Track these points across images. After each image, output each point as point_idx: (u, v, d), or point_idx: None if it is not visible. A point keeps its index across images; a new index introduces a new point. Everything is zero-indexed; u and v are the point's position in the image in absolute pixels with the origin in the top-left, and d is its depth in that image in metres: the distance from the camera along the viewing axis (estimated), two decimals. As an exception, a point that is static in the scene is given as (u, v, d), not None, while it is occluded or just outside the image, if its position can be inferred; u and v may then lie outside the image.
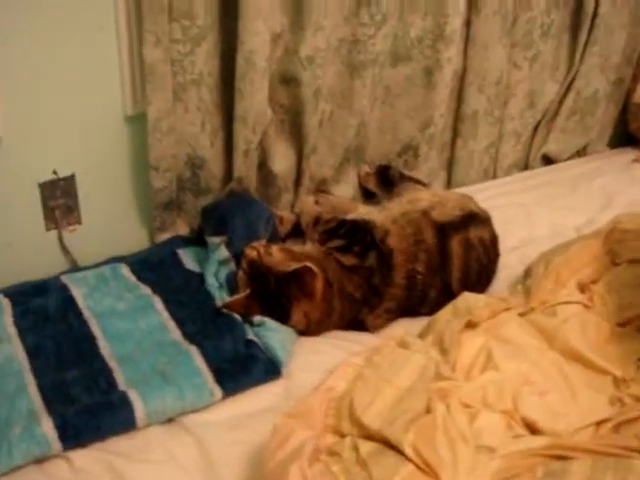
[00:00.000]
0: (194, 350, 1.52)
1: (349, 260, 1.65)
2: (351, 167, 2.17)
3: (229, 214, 1.79)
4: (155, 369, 1.49)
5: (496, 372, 1.41)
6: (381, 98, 2.14)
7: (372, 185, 2.19)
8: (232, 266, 1.75)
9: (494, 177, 2.51)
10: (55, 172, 1.78)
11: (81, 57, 1.69)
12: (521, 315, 1.64)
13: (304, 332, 1.65)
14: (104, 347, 1.56)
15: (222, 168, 1.92)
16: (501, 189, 2.39)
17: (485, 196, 2.26)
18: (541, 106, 2.45)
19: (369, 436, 1.20)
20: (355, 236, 1.69)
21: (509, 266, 1.93)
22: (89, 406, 1.38)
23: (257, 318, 1.62)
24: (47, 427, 1.31)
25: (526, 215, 2.22)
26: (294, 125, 1.96)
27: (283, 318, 1.62)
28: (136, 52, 1.71)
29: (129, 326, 1.62)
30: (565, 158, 2.63)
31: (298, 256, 1.63)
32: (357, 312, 1.66)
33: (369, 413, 1.22)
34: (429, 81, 2.13)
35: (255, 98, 1.78)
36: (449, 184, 2.43)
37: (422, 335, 1.55)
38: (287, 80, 1.87)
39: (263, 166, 1.96)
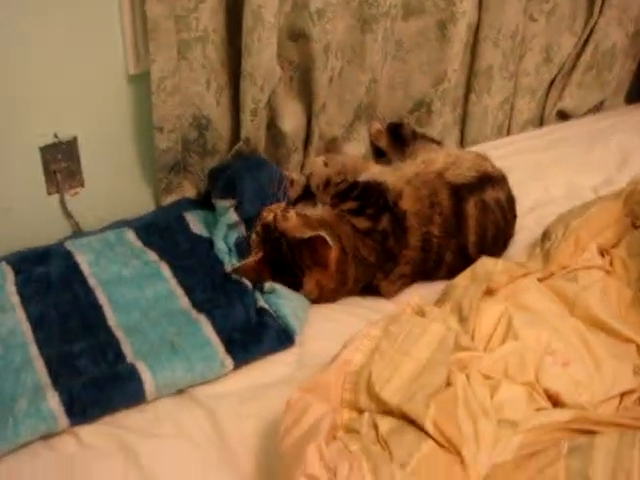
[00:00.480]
0: (203, 319, 1.47)
1: (362, 223, 1.60)
2: (362, 125, 2.10)
3: (238, 176, 1.73)
4: (164, 340, 1.45)
5: (516, 341, 1.36)
6: (392, 53, 2.06)
7: (384, 143, 2.12)
8: (242, 230, 1.70)
9: (509, 133, 2.43)
10: (56, 135, 1.71)
11: (80, 14, 1.61)
12: (540, 280, 1.59)
13: (317, 300, 1.60)
14: (111, 317, 1.52)
15: (229, 128, 1.85)
16: (515, 147, 2.32)
17: (499, 154, 2.18)
18: (557, 60, 2.36)
19: (388, 412, 1.16)
20: (368, 198, 1.63)
21: (526, 228, 1.87)
22: (96, 379, 1.34)
23: (268, 285, 1.58)
24: (53, 402, 1.27)
25: (542, 174, 2.15)
26: (303, 82, 1.88)
27: (295, 286, 1.57)
28: (138, 8, 1.63)
29: (136, 294, 1.58)
30: (581, 114, 2.55)
31: (314, 223, 1.57)
32: (372, 277, 1.60)
33: (388, 388, 1.18)
34: (443, 35, 2.04)
35: (263, 55, 1.70)
36: (462, 141, 2.35)
37: (440, 302, 1.50)
38: (296, 36, 1.79)
39: (272, 126, 1.89)
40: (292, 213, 1.60)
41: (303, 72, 1.86)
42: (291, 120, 1.91)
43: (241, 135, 1.81)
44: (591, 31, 2.33)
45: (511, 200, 1.78)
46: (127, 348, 1.44)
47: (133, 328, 1.49)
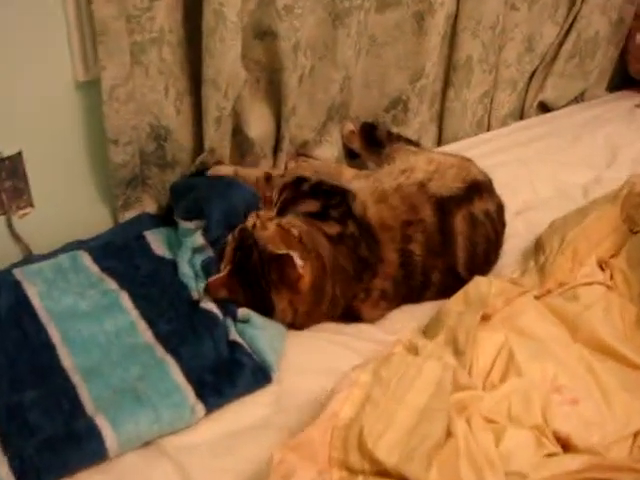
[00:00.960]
0: (170, 359, 1.32)
1: (331, 228, 1.46)
2: (334, 126, 1.95)
3: (205, 198, 1.57)
4: (126, 385, 1.29)
5: (520, 378, 1.23)
6: (366, 48, 1.91)
7: (357, 145, 1.97)
8: (209, 252, 1.54)
9: (488, 129, 2.31)
10: (-3, 151, 1.53)
11: (21, 14, 1.42)
12: (537, 298, 1.47)
13: (293, 324, 1.46)
14: (65, 358, 1.35)
15: (191, 138, 1.68)
16: (498, 143, 2.21)
17: (481, 152, 2.08)
18: (539, 50, 2.25)
19: (384, 473, 1.03)
20: (329, 198, 1.50)
21: (515, 234, 1.74)
22: (51, 439, 1.17)
23: (242, 312, 1.42)
24: (2, 470, 1.11)
25: (528, 173, 2.04)
26: (271, 84, 1.72)
27: (265, 303, 1.42)
28: (85, 7, 1.45)
29: (94, 330, 1.41)
30: (562, 105, 2.45)
31: (292, 240, 1.41)
32: (351, 295, 1.46)
33: (382, 445, 1.04)
34: (420, 27, 1.90)
35: (226, 57, 1.53)
36: (440, 138, 2.23)
37: (431, 331, 1.36)
38: (262, 34, 1.62)
39: (237, 132, 1.73)
40: (272, 223, 1.45)
41: (270, 73, 1.70)
42: (259, 125, 1.76)
43: (205, 145, 1.65)
44: (574, 19, 2.22)
45: (500, 209, 1.64)
46: (85, 396, 1.27)
47: (91, 371, 1.33)
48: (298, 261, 1.36)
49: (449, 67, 2.10)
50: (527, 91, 2.35)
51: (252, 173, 1.71)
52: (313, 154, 1.94)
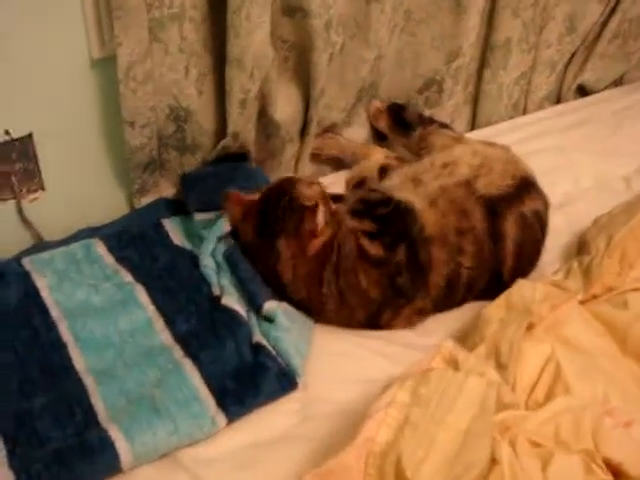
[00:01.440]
0: (189, 365, 1.23)
1: (375, 249, 1.34)
2: (363, 108, 1.84)
3: (223, 187, 1.46)
4: (142, 390, 1.21)
5: (568, 397, 1.13)
6: (401, 25, 1.78)
7: (383, 125, 1.85)
8: (230, 242, 1.44)
9: (524, 112, 2.18)
10: (7, 132, 1.43)
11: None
12: (581, 303, 1.36)
13: (291, 287, 1.36)
14: (78, 359, 1.27)
15: (213, 121, 1.57)
16: (534, 128, 2.07)
17: (517, 138, 1.97)
18: (582, 30, 2.10)
19: (424, 505, 0.93)
20: (390, 224, 1.37)
21: (556, 230, 1.60)
22: (61, 451, 1.09)
23: (268, 306, 1.33)
24: (8, 487, 1.03)
25: (567, 162, 1.92)
26: (300, 64, 1.60)
27: (270, 255, 1.34)
28: (100, -20, 1.34)
29: (108, 328, 1.32)
30: (601, 88, 2.30)
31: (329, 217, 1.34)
32: (374, 312, 1.36)
33: (423, 474, 0.95)
34: (458, 4, 1.77)
35: (253, 36, 1.42)
36: (474, 122, 2.10)
37: (470, 340, 1.26)
38: (292, 10, 1.50)
39: (262, 115, 1.62)
40: (318, 187, 1.37)
41: (300, 52, 1.58)
42: (286, 107, 1.64)
43: (228, 129, 1.54)
44: (619, -1, 2.07)
45: (546, 207, 1.53)
46: (98, 403, 1.19)
47: (105, 373, 1.24)
48: (321, 218, 1.29)
49: (486, 47, 1.96)
50: (565, 73, 2.21)
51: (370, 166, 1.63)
52: (342, 135, 1.82)
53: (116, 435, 1.10)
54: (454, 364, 1.14)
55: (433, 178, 1.44)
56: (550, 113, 2.18)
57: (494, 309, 1.29)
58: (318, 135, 1.79)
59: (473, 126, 2.10)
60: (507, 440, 1.06)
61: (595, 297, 1.38)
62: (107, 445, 1.09)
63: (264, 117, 1.62)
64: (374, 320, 1.35)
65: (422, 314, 1.37)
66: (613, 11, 2.10)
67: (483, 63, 1.99)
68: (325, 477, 0.97)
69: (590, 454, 1.07)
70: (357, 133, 1.85)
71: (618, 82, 2.36)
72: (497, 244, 1.38)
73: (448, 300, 1.38)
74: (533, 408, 1.15)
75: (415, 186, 1.43)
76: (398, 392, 1.04)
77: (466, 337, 1.28)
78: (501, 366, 1.17)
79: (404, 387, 1.05)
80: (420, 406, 1.03)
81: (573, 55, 2.17)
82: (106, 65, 1.44)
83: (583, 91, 2.28)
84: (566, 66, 2.19)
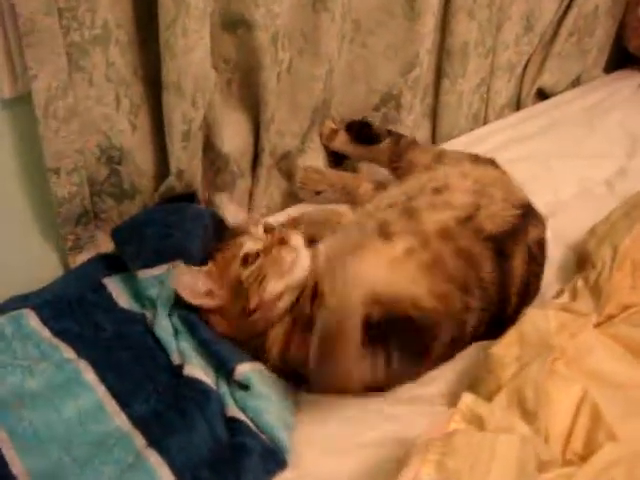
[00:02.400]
0: (154, 457, 1.00)
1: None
2: (317, 131, 1.65)
3: (161, 233, 1.26)
4: (99, 496, 0.97)
5: (616, 443, 0.94)
6: (350, 36, 1.61)
7: (341, 143, 1.66)
8: None
9: (485, 122, 2.04)
10: None
11: None
12: (596, 327, 1.19)
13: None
14: (14, 461, 1.02)
15: (152, 159, 1.36)
16: (500, 138, 1.95)
17: (484, 149, 1.81)
18: (539, 29, 1.99)
19: None
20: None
21: (545, 245, 1.45)
22: None
23: (240, 370, 1.11)
24: None
25: (542, 171, 1.78)
26: (246, 86, 1.42)
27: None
28: (5, 2, 1.12)
29: (48, 417, 1.08)
30: (560, 91, 2.20)
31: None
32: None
33: None
34: (411, 8, 1.61)
35: (192, 56, 1.22)
36: (434, 136, 1.94)
37: (482, 387, 1.07)
38: (233, 24, 1.32)
39: (208, 148, 1.42)
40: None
41: (245, 73, 1.40)
42: (233, 138, 1.45)
43: (170, 167, 1.33)
44: (574, -7, 1.96)
45: (545, 229, 1.35)
46: (44, 517, 0.95)
47: (51, 476, 1.00)
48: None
49: (442, 54, 1.82)
50: (524, 77, 2.08)
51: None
52: (295, 164, 1.62)
53: None
54: (477, 421, 0.94)
55: (428, 208, 1.23)
56: (512, 121, 2.05)
57: (506, 347, 1.10)
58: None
59: (434, 141, 1.95)
60: (554, 507, 0.87)
61: (611, 318, 1.21)
62: None
63: (210, 151, 1.43)
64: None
65: (425, 372, 1.17)
66: (569, 7, 2.00)
67: (440, 72, 1.84)
68: None
69: (654, 512, 0.88)
70: (312, 159, 1.66)
71: (575, 83, 2.27)
72: (505, 288, 1.19)
73: (452, 352, 1.18)
74: (572, 462, 0.97)
75: (409, 218, 1.22)
76: (421, 467, 0.84)
77: (478, 384, 1.08)
78: (529, 415, 0.98)
79: (427, 461, 0.85)
80: (452, 483, 0.83)
81: (530, 57, 2.05)
82: (20, 104, 1.22)
83: (542, 95, 2.18)
84: (524, 69, 2.06)
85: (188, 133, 1.29)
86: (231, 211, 1.41)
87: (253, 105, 1.44)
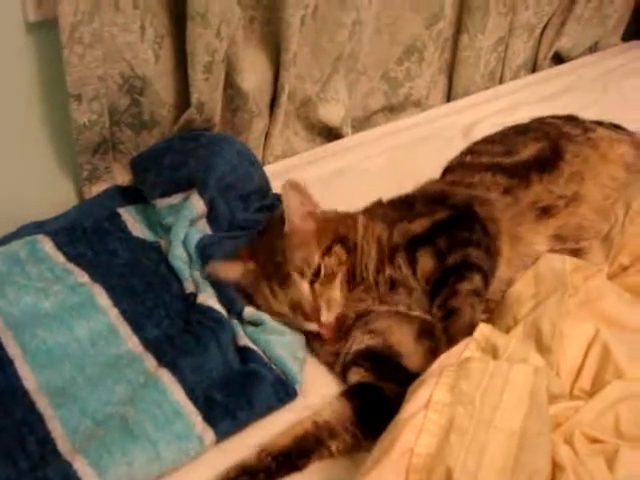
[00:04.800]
0: (166, 376, 1.01)
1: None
2: (341, 81, 1.63)
3: (188, 162, 1.27)
4: (110, 410, 0.99)
5: (625, 382, 0.96)
6: (376, -14, 1.60)
7: None
8: (205, 228, 1.24)
9: (501, 81, 2.03)
10: None
11: None
12: (609, 278, 1.19)
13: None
14: (28, 377, 1.04)
15: (173, 91, 1.36)
16: (516, 97, 1.94)
17: (498, 108, 1.86)
18: (560, -11, 1.96)
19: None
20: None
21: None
22: (14, 494, 0.86)
23: (250, 312, 1.12)
24: None
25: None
26: (268, 25, 1.41)
27: None
28: None
29: (62, 337, 1.10)
30: (576, 55, 2.19)
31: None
32: None
33: (480, 490, 0.76)
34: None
35: (218, -15, 1.21)
36: (450, 93, 1.94)
37: (501, 323, 1.08)
38: (259, -40, 1.31)
39: (228, 85, 1.41)
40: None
41: (268, 12, 1.39)
42: (253, 76, 1.45)
43: (191, 99, 1.33)
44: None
45: None
46: (57, 428, 0.97)
47: (63, 392, 1.02)
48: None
49: (462, 9, 1.80)
50: (542, 39, 2.07)
51: None
52: (318, 113, 1.61)
53: (82, 469, 0.88)
54: (492, 351, 0.95)
55: None
56: (528, 82, 2.05)
57: (523, 286, 1.11)
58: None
59: (449, 97, 1.94)
60: (562, 437, 0.88)
61: (624, 269, 1.22)
62: (72, 482, 0.87)
63: (229, 88, 1.42)
64: None
65: None
66: (591, -32, 1.98)
67: (460, 27, 1.83)
68: (359, 502, 0.77)
69: (660, 448, 0.89)
70: (334, 112, 1.65)
71: (593, 49, 2.26)
72: None
73: None
74: (579, 397, 0.98)
75: None
76: (435, 390, 0.85)
77: (495, 320, 1.09)
78: (543, 348, 0.99)
79: (441, 383, 0.86)
80: (464, 405, 0.84)
81: (550, 19, 2.04)
82: (45, 29, 1.22)
83: (559, 59, 2.17)
84: (543, 31, 2.05)
85: (211, 65, 1.29)
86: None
87: (275, 44, 1.43)
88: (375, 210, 1.19)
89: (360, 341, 1.06)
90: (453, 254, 1.06)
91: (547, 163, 1.23)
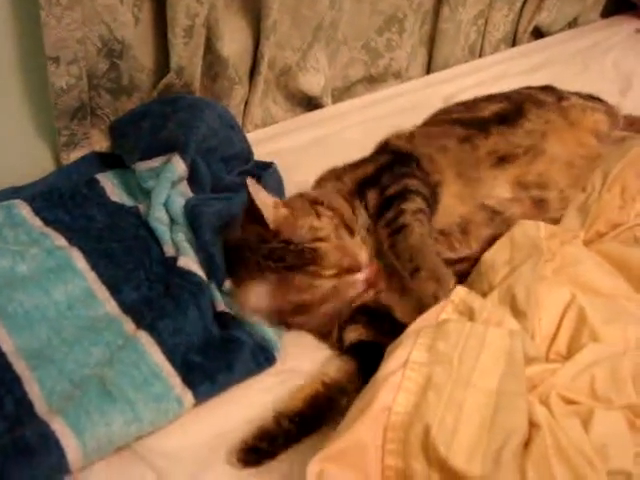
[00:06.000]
0: (144, 337, 1.01)
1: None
2: (321, 50, 1.62)
3: (159, 125, 1.25)
4: (88, 372, 0.98)
5: (600, 345, 0.97)
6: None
7: None
8: (186, 191, 1.24)
9: (481, 55, 2.04)
10: None
11: None
12: (586, 244, 1.21)
13: None
14: (4, 339, 1.03)
15: (153, 55, 1.35)
16: (495, 70, 1.95)
17: (477, 80, 1.85)
18: (542, -40, 1.96)
19: (461, 484, 0.76)
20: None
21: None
22: (-8, 454, 0.86)
23: (229, 283, 1.12)
24: None
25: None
26: (248, -9, 1.39)
27: None
28: None
29: (39, 300, 1.08)
30: (556, 31, 2.19)
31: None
32: None
33: (458, 448, 0.77)
34: None
35: (199, -53, 1.20)
36: (430, 65, 1.94)
37: (476, 289, 1.08)
38: None
39: (207, 51, 1.40)
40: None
41: (248, -25, 1.37)
42: (233, 42, 1.44)
43: (171, 64, 1.32)
44: None
45: None
46: (33, 389, 0.96)
47: (40, 355, 1.01)
48: None
49: (442, -22, 1.80)
50: (522, 13, 2.07)
51: None
52: (298, 81, 1.61)
53: (60, 429, 0.88)
54: (469, 313, 0.96)
55: None
56: (508, 55, 2.05)
57: (497, 252, 1.12)
58: None
59: (429, 70, 1.94)
60: (538, 399, 0.90)
61: (601, 236, 1.23)
62: (49, 442, 0.86)
63: (210, 54, 1.41)
64: None
65: None
66: (572, -56, 1.98)
67: (440, -1, 1.83)
68: (336, 460, 0.77)
69: (633, 409, 0.91)
70: (313, 80, 1.64)
71: (572, 24, 2.26)
72: None
73: None
74: (555, 360, 0.99)
75: None
76: (413, 350, 0.86)
77: (470, 287, 1.10)
78: (519, 314, 1.00)
79: (419, 344, 0.87)
80: (442, 364, 0.85)
81: (529, -7, 2.04)
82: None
83: (538, 33, 2.17)
84: (523, 5, 2.05)
85: (191, 29, 1.28)
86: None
87: (256, 11, 1.42)
88: (329, 174, 1.24)
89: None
90: (394, 185, 1.12)
91: (507, 118, 1.31)
